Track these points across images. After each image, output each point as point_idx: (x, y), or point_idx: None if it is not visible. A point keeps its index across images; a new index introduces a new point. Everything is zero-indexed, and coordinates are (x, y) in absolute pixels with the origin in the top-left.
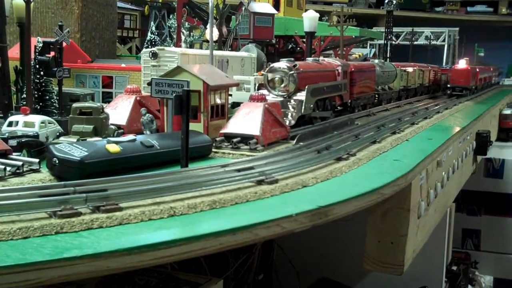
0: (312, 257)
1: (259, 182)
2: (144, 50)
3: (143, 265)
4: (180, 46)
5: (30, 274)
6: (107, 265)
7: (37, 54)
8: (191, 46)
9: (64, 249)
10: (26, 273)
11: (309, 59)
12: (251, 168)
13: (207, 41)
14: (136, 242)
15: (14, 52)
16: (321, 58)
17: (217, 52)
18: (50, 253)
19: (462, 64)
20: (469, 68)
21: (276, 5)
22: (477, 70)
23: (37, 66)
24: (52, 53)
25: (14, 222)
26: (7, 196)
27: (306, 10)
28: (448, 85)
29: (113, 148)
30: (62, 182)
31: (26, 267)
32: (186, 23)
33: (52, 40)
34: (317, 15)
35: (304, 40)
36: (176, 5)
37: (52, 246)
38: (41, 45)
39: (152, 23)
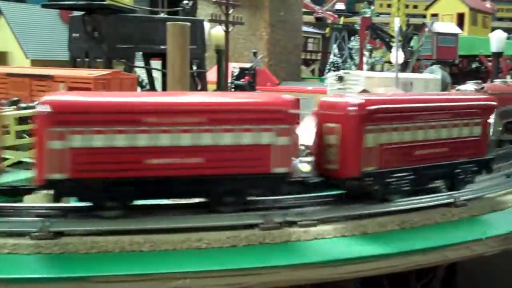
0: (498, 283)
1: (448, 205)
2: (330, 73)
3: (332, 277)
4: (362, 68)
5: (235, 278)
6: (305, 276)
7: (234, 78)
8: (372, 67)
9: (267, 258)
10: (231, 277)
11: (497, 81)
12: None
13: (389, 62)
14: (330, 256)
15: (210, 76)
16: (509, 79)
17: (401, 75)
18: (254, 260)
19: None
20: None
21: (460, 24)
22: None
23: (234, 89)
24: (247, 78)
25: (223, 231)
26: None
27: (492, 29)
28: None
29: (306, 168)
30: (262, 198)
31: (232, 272)
32: (368, 45)
33: (246, 65)
34: (505, 35)
35: (490, 59)
36: (358, 28)
37: (256, 254)
38: (237, 70)
39: (334, 45)
